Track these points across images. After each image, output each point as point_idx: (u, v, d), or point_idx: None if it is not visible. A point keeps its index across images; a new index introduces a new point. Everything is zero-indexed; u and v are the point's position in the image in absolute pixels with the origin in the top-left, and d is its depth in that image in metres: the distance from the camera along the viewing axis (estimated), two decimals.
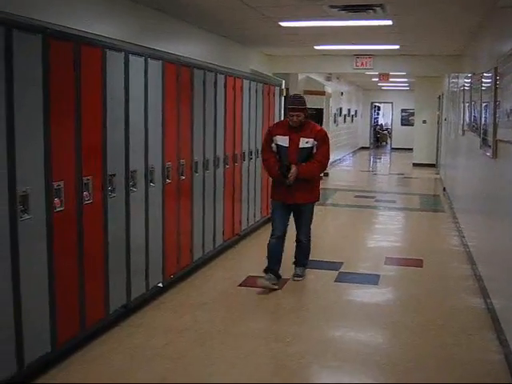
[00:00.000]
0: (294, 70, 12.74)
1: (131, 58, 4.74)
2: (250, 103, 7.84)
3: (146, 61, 4.99)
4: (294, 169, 5.74)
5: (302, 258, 6.26)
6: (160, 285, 5.42)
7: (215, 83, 6.52)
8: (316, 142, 5.85)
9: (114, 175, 4.53)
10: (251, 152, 8.02)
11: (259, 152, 7.74)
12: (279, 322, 4.81)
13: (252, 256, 7.14)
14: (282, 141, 5.88)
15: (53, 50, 3.77)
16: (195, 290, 5.77)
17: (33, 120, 3.65)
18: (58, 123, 3.86)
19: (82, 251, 4.18)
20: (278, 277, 5.85)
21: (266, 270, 5.80)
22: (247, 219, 7.97)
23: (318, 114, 14.24)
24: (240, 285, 5.90)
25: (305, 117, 5.87)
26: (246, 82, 7.66)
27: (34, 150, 3.68)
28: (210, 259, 6.60)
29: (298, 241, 6.20)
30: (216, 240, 6.73)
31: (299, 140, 5.83)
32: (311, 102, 13.83)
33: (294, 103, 5.84)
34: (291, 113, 5.81)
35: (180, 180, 5.72)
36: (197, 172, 6.13)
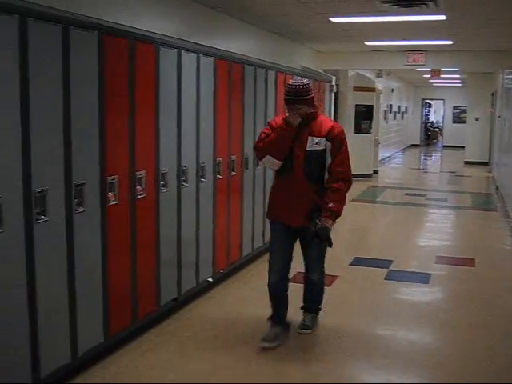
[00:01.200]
0: (344, 66, 12.66)
1: (184, 54, 4.80)
2: None
3: (198, 57, 5.04)
4: (327, 222, 4.16)
5: (314, 303, 4.71)
6: (210, 279, 5.47)
7: (266, 79, 6.53)
8: (329, 144, 4.25)
9: (166, 170, 4.60)
10: None
11: None
12: (328, 318, 4.80)
13: (300, 252, 7.10)
14: None
15: (108, 47, 3.85)
16: (244, 285, 5.81)
17: (89, 115, 3.74)
18: (112, 118, 3.93)
19: (134, 244, 4.26)
20: (286, 326, 4.56)
21: (271, 319, 4.50)
22: None
23: (368, 111, 14.12)
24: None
25: (312, 108, 4.32)
26: None
27: (90, 145, 3.76)
28: (260, 255, 6.62)
29: (307, 280, 4.64)
30: (265, 236, 6.73)
31: (306, 139, 4.26)
32: (361, 99, 13.92)
33: (292, 92, 4.23)
34: (290, 106, 4.25)
35: (230, 176, 5.76)
36: (247, 168, 6.16)
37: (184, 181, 4.88)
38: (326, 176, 4.27)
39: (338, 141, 4.25)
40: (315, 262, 4.51)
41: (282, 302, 4.49)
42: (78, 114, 3.60)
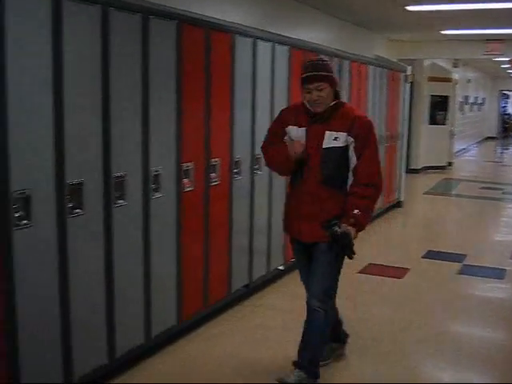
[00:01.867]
0: (420, 55, 12.39)
1: (259, 43, 4.82)
2: (374, 89, 7.74)
3: (273, 46, 5.06)
4: (348, 228, 3.30)
5: (307, 352, 3.55)
6: (281, 268, 5.50)
7: (340, 69, 6.48)
8: (353, 140, 3.38)
9: (240, 158, 4.65)
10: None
11: (387, 138, 7.54)
12: (399, 311, 4.75)
13: (372, 244, 7.04)
14: (296, 134, 3.49)
15: (185, 36, 3.91)
16: None
17: (166, 102, 3.81)
18: (188, 106, 4.00)
19: (207, 230, 4.33)
20: (342, 338, 4.00)
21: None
22: None
23: (443, 102, 13.80)
24: (359, 272, 5.85)
25: (333, 95, 3.46)
26: (370, 68, 7.57)
27: (167, 132, 3.84)
28: None
29: (307, 308, 3.58)
30: None
31: (323, 135, 3.41)
32: (437, 89, 13.60)
33: (311, 68, 3.42)
34: (308, 85, 3.38)
35: None
36: None
37: (258, 168, 4.92)
38: (350, 180, 3.50)
39: (362, 136, 3.37)
40: (315, 282, 3.52)
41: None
42: (156, 102, 3.68)
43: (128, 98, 3.50)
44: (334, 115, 3.41)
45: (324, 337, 3.60)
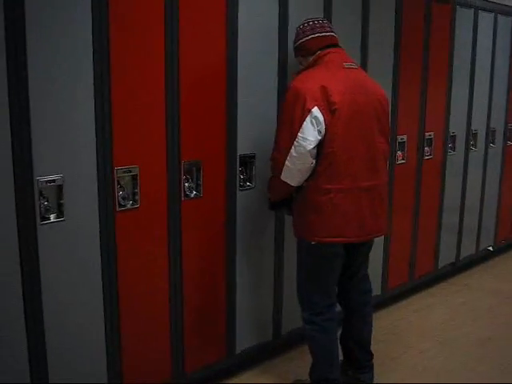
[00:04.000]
0: None
1: (480, 13, 4.65)
2: None
3: (495, 17, 4.84)
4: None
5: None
6: (490, 248, 5.32)
7: None
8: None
9: (455, 133, 4.56)
10: None
11: None
12: None
13: None
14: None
15: (406, 5, 3.89)
16: None
17: (382, 72, 3.82)
18: (405, 78, 3.99)
19: (418, 204, 4.33)
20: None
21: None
22: None
23: None
24: None
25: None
26: None
27: None
28: None
29: None
30: None
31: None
32: None
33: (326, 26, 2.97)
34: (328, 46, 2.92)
35: None
36: None
37: (473, 145, 4.80)
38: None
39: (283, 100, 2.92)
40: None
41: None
42: (373, 67, 3.69)
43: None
44: None
45: (314, 355, 3.04)
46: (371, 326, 3.23)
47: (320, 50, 2.88)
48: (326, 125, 2.68)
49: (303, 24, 2.94)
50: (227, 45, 2.87)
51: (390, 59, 3.86)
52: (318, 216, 2.78)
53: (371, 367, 3.20)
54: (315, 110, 2.66)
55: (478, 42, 4.65)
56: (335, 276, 2.97)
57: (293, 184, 2.80)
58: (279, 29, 3.11)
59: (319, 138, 2.69)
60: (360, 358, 3.17)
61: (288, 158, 2.72)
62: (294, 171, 2.75)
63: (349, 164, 2.75)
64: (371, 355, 3.20)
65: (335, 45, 2.93)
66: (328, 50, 2.88)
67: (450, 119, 4.48)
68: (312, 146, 2.68)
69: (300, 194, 2.85)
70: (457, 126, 4.57)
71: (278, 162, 2.79)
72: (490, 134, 4.98)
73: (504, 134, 5.18)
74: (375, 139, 2.87)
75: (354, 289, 3.14)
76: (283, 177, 2.79)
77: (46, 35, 2.23)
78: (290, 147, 2.70)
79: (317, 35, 2.89)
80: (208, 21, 2.79)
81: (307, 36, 2.90)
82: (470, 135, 4.73)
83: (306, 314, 2.98)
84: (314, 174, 2.76)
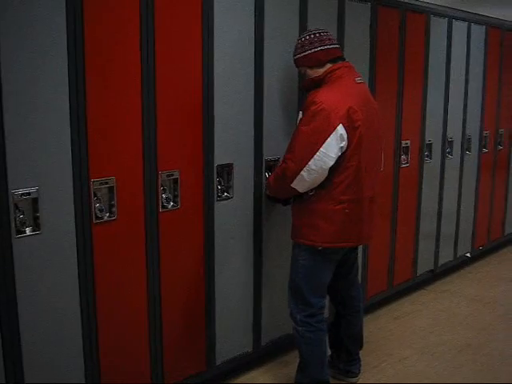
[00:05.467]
0: None
1: (454, 23, 4.70)
2: None
3: (469, 26, 4.90)
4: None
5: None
6: (468, 255, 5.36)
7: None
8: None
9: (431, 141, 4.60)
10: None
11: None
12: None
13: None
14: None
15: (381, 17, 3.93)
16: (504, 265, 5.58)
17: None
18: (381, 87, 4.01)
19: (395, 211, 4.35)
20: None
21: None
22: None
23: None
24: None
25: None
26: None
27: None
28: None
29: None
30: None
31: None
32: None
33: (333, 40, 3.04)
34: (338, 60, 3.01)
35: (497, 150, 5.53)
36: None
37: (449, 152, 4.84)
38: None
39: (305, 111, 2.89)
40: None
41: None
42: None
43: None
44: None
45: (306, 357, 3.10)
46: (363, 319, 3.45)
47: (330, 62, 2.97)
48: (348, 142, 2.80)
49: (309, 35, 3.00)
50: (203, 55, 2.86)
51: (365, 67, 3.88)
52: (329, 224, 2.90)
53: (359, 358, 3.44)
54: (340, 128, 2.78)
55: (452, 51, 4.70)
56: (330, 276, 3.11)
57: (301, 191, 2.91)
58: (255, 39, 3.11)
59: (339, 154, 2.80)
60: (352, 351, 3.40)
61: (305, 169, 2.80)
62: (309, 182, 2.84)
63: (362, 177, 2.91)
64: (361, 346, 3.44)
65: (342, 57, 3.03)
66: (340, 64, 2.98)
67: (426, 127, 4.51)
68: (333, 162, 2.80)
69: (306, 201, 2.94)
70: (433, 134, 4.60)
71: (291, 171, 2.85)
72: (466, 142, 5.03)
73: (479, 141, 5.22)
74: (378, 151, 3.07)
75: (350, 285, 3.33)
76: (294, 184, 2.88)
77: (19, 54, 2.21)
78: (309, 159, 2.78)
79: (326, 47, 2.97)
80: (184, 31, 2.78)
81: (316, 48, 2.96)
82: (446, 143, 4.77)
83: (299, 315, 3.05)
84: (328, 184, 2.87)
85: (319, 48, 2.95)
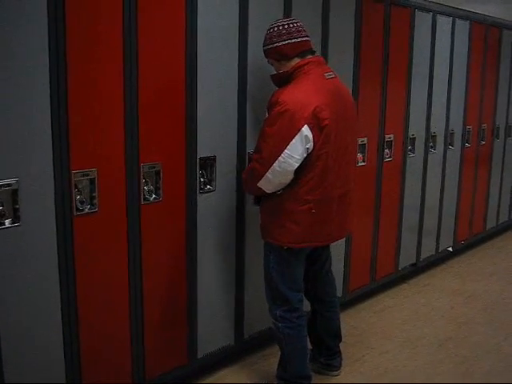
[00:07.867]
0: None
1: (439, 18, 4.72)
2: None
3: (453, 21, 4.92)
4: None
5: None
6: (450, 249, 5.39)
7: None
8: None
9: (415, 136, 4.61)
10: None
11: None
12: None
13: None
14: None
15: (365, 10, 3.92)
16: (486, 259, 5.62)
17: (343, 76, 3.83)
18: (364, 81, 4.01)
19: (378, 205, 4.36)
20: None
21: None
22: None
23: None
24: None
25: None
26: None
27: None
28: (504, 229, 6.36)
29: None
30: None
31: None
32: None
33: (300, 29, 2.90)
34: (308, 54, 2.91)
35: (479, 145, 5.56)
36: (498, 138, 5.88)
37: (432, 147, 4.86)
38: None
39: (269, 110, 2.84)
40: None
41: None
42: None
43: None
44: None
45: (286, 353, 3.09)
46: (339, 313, 3.42)
47: (297, 56, 2.86)
48: (314, 142, 2.72)
49: (277, 26, 2.86)
50: (186, 46, 2.83)
51: (350, 61, 3.88)
52: (295, 224, 2.85)
53: (340, 351, 3.43)
54: (305, 129, 2.70)
55: (436, 46, 4.71)
56: (303, 270, 3.08)
57: (268, 191, 2.86)
58: (239, 28, 3.08)
59: (305, 155, 2.74)
60: (331, 346, 3.38)
61: (270, 171, 2.75)
62: (274, 183, 2.80)
63: (329, 176, 2.84)
64: (340, 340, 3.41)
65: (312, 51, 2.93)
66: (308, 60, 2.86)
67: (409, 122, 4.52)
68: (298, 164, 2.74)
69: (274, 201, 2.89)
70: (416, 129, 4.61)
71: (258, 172, 2.80)
72: (449, 137, 5.05)
73: (462, 136, 5.25)
74: (349, 147, 2.96)
75: (322, 281, 3.30)
76: (260, 184, 2.83)
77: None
78: (274, 161, 2.72)
79: (293, 40, 2.84)
80: (167, 20, 2.75)
81: (284, 41, 2.84)
82: (430, 137, 4.78)
83: (278, 311, 3.02)
84: (294, 183, 2.82)
85: (287, 41, 2.83)
